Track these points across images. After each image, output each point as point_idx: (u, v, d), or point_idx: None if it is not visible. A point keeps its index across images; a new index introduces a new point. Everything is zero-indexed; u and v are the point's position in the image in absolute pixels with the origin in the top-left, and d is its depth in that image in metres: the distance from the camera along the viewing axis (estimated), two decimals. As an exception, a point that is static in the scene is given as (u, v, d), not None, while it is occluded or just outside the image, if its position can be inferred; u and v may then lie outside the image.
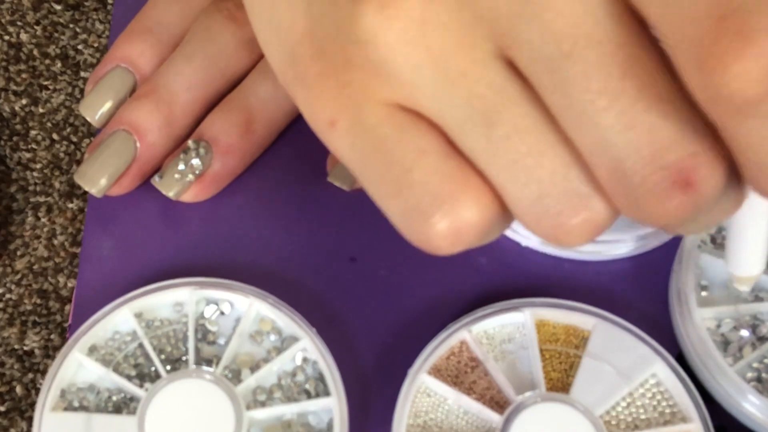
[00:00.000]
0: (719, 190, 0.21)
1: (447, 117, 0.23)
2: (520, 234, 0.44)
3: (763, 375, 0.40)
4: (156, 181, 0.43)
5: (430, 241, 0.24)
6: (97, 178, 0.43)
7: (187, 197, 0.44)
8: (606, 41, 0.21)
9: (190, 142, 0.43)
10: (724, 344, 0.40)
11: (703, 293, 0.41)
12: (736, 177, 0.22)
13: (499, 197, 0.24)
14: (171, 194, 0.43)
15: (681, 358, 0.41)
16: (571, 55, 0.21)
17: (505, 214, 0.24)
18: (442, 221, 0.24)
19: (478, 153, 0.23)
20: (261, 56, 0.46)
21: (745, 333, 0.40)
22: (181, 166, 0.43)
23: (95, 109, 0.44)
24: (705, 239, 0.43)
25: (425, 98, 0.23)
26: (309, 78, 0.24)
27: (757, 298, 0.41)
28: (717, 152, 0.21)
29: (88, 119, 0.45)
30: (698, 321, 0.40)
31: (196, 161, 0.43)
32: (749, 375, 0.40)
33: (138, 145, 0.43)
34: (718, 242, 0.43)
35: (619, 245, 0.44)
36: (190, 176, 0.43)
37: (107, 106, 0.44)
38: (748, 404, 0.39)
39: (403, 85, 0.23)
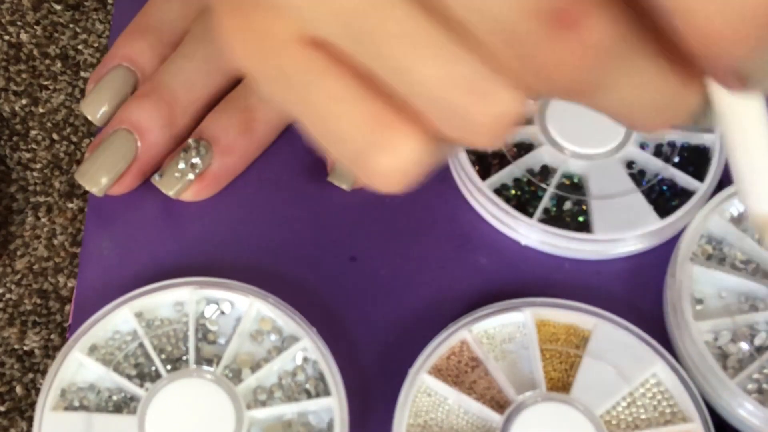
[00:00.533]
0: (613, 30, 0.20)
1: (338, 39, 0.23)
2: (520, 233, 0.44)
3: (764, 386, 0.40)
4: (156, 179, 0.43)
5: (377, 184, 0.24)
6: (98, 177, 0.43)
7: (187, 196, 0.44)
8: None
9: (190, 141, 0.43)
10: (723, 357, 0.40)
11: (698, 306, 0.41)
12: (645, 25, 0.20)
13: (425, 124, 0.23)
14: (171, 193, 0.43)
15: (679, 364, 0.41)
16: None
17: (437, 137, 0.24)
18: (380, 164, 0.23)
19: (379, 73, 0.23)
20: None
21: (743, 345, 0.40)
22: (182, 165, 0.43)
23: (96, 107, 0.45)
24: (697, 252, 0.43)
25: (316, 23, 0.23)
26: (228, 32, 0.24)
27: (752, 308, 0.41)
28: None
29: (90, 118, 0.45)
30: (696, 335, 0.40)
31: (196, 160, 0.43)
32: (750, 387, 0.40)
33: (139, 144, 0.43)
34: (710, 254, 0.43)
35: (619, 244, 0.44)
36: (190, 175, 0.43)
37: (108, 104, 0.44)
38: (750, 416, 0.39)
39: (293, 12, 0.23)
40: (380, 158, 0.23)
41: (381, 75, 0.23)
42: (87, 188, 0.43)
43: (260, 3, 0.23)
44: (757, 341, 0.41)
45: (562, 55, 0.20)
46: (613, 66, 0.20)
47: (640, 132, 0.44)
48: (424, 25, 0.22)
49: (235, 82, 0.45)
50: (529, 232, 0.44)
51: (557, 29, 0.20)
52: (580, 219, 0.44)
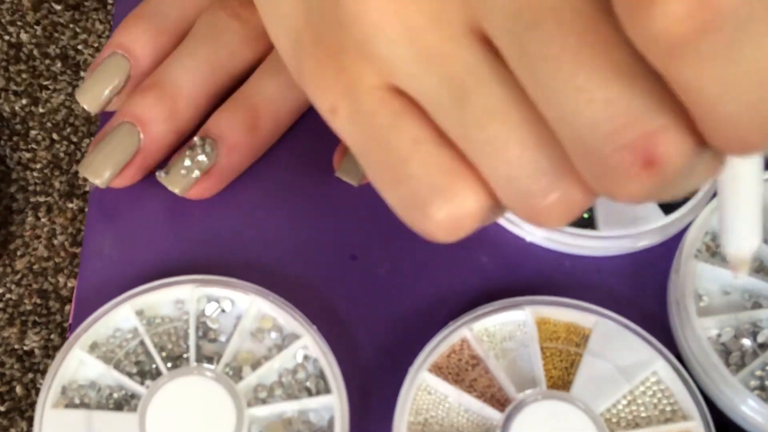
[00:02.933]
0: (685, 163, 0.20)
1: (426, 96, 0.23)
2: (525, 229, 0.44)
3: (766, 383, 0.40)
4: (162, 177, 0.43)
5: (429, 231, 0.24)
6: (102, 169, 0.43)
7: (193, 194, 0.44)
8: (563, 8, 0.20)
9: (196, 139, 0.43)
10: (726, 353, 0.40)
11: (702, 303, 0.41)
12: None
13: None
14: (177, 190, 0.43)
15: (680, 360, 0.41)
16: (533, 25, 0.20)
17: (498, 199, 0.24)
18: (440, 212, 0.24)
19: (455, 135, 0.23)
20: (265, 53, 0.46)
21: (746, 341, 0.40)
22: (187, 162, 0.43)
23: (89, 95, 0.45)
24: (701, 248, 0.43)
25: (405, 76, 0.23)
26: (311, 66, 0.25)
27: (756, 305, 0.41)
28: (681, 123, 0.20)
29: (84, 106, 0.45)
30: (699, 331, 0.40)
31: (202, 158, 0.43)
32: (752, 383, 0.40)
33: (142, 136, 0.43)
34: (714, 251, 0.43)
35: (623, 241, 0.44)
36: (196, 172, 0.43)
37: (101, 91, 0.45)
38: (752, 412, 0.39)
39: (385, 64, 0.23)
40: (442, 205, 0.24)
41: (457, 138, 0.23)
42: (90, 180, 0.43)
43: (353, 49, 0.24)
44: (761, 338, 0.41)
45: (633, 189, 0.21)
46: (673, 184, 0.21)
47: None
48: (514, 107, 0.22)
49: (239, 80, 0.46)
50: (534, 229, 0.44)
51: (634, 168, 0.20)
52: (585, 215, 0.44)
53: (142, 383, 0.39)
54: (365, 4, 0.23)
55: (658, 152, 0.20)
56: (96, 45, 0.53)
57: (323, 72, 0.24)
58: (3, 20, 0.53)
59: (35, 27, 0.53)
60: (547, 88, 0.21)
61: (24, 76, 0.52)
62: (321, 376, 0.40)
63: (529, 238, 0.45)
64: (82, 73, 0.52)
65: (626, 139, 0.20)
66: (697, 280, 0.42)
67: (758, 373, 0.40)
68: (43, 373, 0.44)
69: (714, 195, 0.44)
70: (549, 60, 0.20)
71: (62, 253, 0.47)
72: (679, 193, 0.22)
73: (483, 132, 0.23)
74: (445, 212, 0.24)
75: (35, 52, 0.52)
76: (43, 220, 0.48)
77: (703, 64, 0.18)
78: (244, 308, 0.41)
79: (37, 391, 0.43)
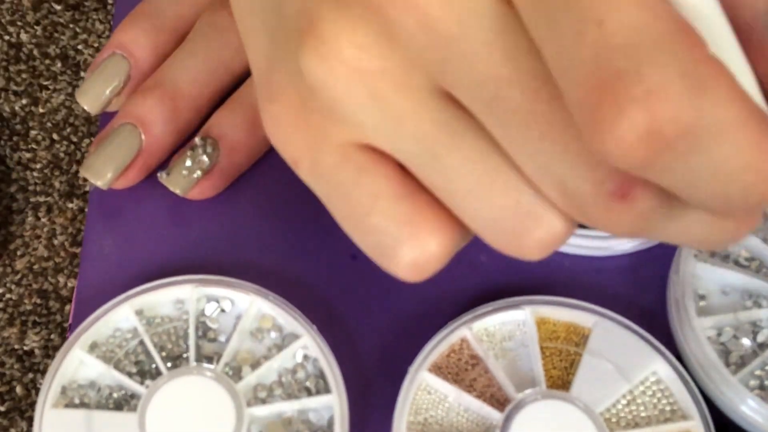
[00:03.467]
0: (660, 197, 0.21)
1: (401, 154, 0.24)
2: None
3: (766, 382, 0.40)
4: (164, 177, 0.43)
5: (397, 274, 0.25)
6: (104, 170, 0.43)
7: (195, 194, 0.44)
8: (529, 80, 0.21)
9: (197, 140, 0.43)
10: (725, 353, 0.40)
11: (701, 303, 0.41)
12: None
13: (457, 220, 0.24)
14: (178, 191, 0.43)
15: (680, 360, 0.41)
16: (497, 93, 0.21)
17: (466, 232, 0.25)
18: (405, 258, 0.25)
19: (432, 186, 0.24)
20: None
21: (746, 342, 0.41)
22: (189, 163, 0.43)
23: (90, 96, 0.45)
24: (700, 248, 0.43)
25: (377, 138, 0.24)
26: (268, 118, 0.25)
27: (756, 305, 0.41)
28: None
29: (85, 107, 0.45)
30: (698, 331, 0.40)
31: (203, 158, 0.43)
32: (752, 383, 0.40)
33: (143, 137, 0.43)
34: (713, 252, 0.43)
35: (621, 241, 0.44)
36: (198, 173, 0.43)
37: (102, 92, 0.45)
38: (751, 412, 0.39)
39: (355, 127, 0.24)
40: (406, 252, 0.24)
41: (435, 189, 0.24)
42: (92, 182, 0.43)
43: (318, 111, 0.24)
44: (760, 338, 0.41)
45: (615, 220, 0.22)
46: (658, 219, 0.22)
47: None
48: (491, 155, 0.23)
49: (239, 80, 0.46)
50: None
51: (610, 200, 0.21)
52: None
53: (141, 383, 0.39)
54: (328, 71, 0.23)
55: (628, 186, 0.21)
56: (96, 45, 0.53)
57: (282, 127, 0.25)
58: (3, 20, 0.53)
59: (35, 27, 0.53)
60: (522, 145, 0.22)
61: (24, 76, 0.52)
62: (321, 375, 0.40)
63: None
64: (82, 73, 0.52)
65: (601, 177, 0.21)
66: (697, 280, 0.42)
67: (758, 372, 0.40)
68: (43, 373, 0.44)
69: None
70: (520, 123, 0.21)
71: (62, 253, 0.47)
72: (678, 236, 0.23)
73: (464, 182, 0.23)
74: (409, 258, 0.24)
75: (35, 52, 0.52)
76: (43, 220, 0.48)
77: (663, 174, 0.19)
78: (243, 308, 0.41)
79: (37, 391, 0.43)
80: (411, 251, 0.24)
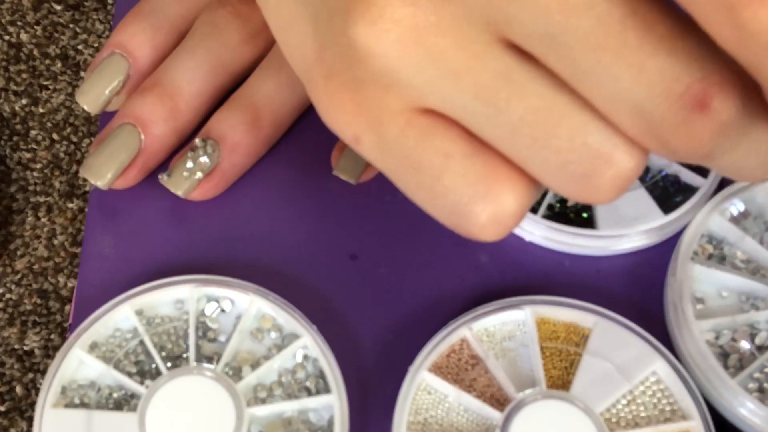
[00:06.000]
0: (738, 109, 0.21)
1: (461, 112, 0.24)
2: (524, 229, 0.44)
3: (765, 385, 0.40)
4: (164, 179, 0.43)
5: (475, 234, 0.25)
6: (104, 170, 0.43)
7: (196, 195, 0.44)
8: (597, 3, 0.21)
9: (197, 141, 0.43)
10: (724, 356, 0.40)
11: (699, 306, 0.41)
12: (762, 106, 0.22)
13: (528, 175, 0.24)
14: (180, 192, 0.43)
15: (679, 362, 0.41)
16: (566, 24, 0.21)
17: (539, 185, 0.25)
18: (482, 215, 0.25)
19: (497, 140, 0.24)
20: (266, 50, 0.46)
21: (744, 344, 0.41)
22: (190, 164, 0.43)
23: (89, 96, 0.45)
24: (697, 250, 0.43)
25: (437, 99, 0.24)
26: (326, 98, 0.25)
27: (753, 307, 0.41)
28: (726, 74, 0.21)
29: (84, 107, 0.45)
30: (697, 334, 0.40)
31: (204, 159, 0.43)
32: (751, 386, 0.40)
33: (143, 137, 0.43)
34: (710, 253, 0.43)
35: (623, 240, 0.44)
36: (199, 174, 0.43)
37: (101, 92, 0.45)
38: (750, 414, 0.39)
39: (412, 90, 0.24)
40: (483, 208, 0.25)
41: (499, 141, 0.24)
42: (92, 182, 0.43)
43: (371, 82, 0.24)
44: (758, 340, 0.41)
45: (695, 135, 0.21)
46: (735, 136, 0.22)
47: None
48: (556, 99, 0.23)
49: (239, 78, 0.46)
50: (534, 228, 0.44)
51: (690, 112, 0.21)
52: (584, 215, 0.44)
53: (141, 383, 0.39)
54: (379, 38, 0.23)
55: (708, 95, 0.21)
56: (96, 45, 0.53)
57: (341, 105, 0.25)
58: (3, 20, 0.53)
59: (35, 27, 0.53)
60: (593, 74, 0.22)
61: (24, 76, 0.52)
62: (321, 375, 0.40)
63: (528, 238, 0.45)
64: (82, 73, 0.52)
65: (679, 91, 0.21)
66: (694, 282, 0.42)
67: (757, 375, 0.40)
68: (43, 373, 0.44)
69: (713, 195, 0.44)
70: (592, 49, 0.21)
71: (62, 253, 0.47)
72: (739, 160, 0.23)
73: (528, 131, 0.23)
74: (487, 215, 0.25)
75: (35, 52, 0.52)
76: (43, 220, 0.48)
77: None
78: (243, 308, 0.41)
79: (37, 391, 0.43)
80: (488, 208, 0.24)
